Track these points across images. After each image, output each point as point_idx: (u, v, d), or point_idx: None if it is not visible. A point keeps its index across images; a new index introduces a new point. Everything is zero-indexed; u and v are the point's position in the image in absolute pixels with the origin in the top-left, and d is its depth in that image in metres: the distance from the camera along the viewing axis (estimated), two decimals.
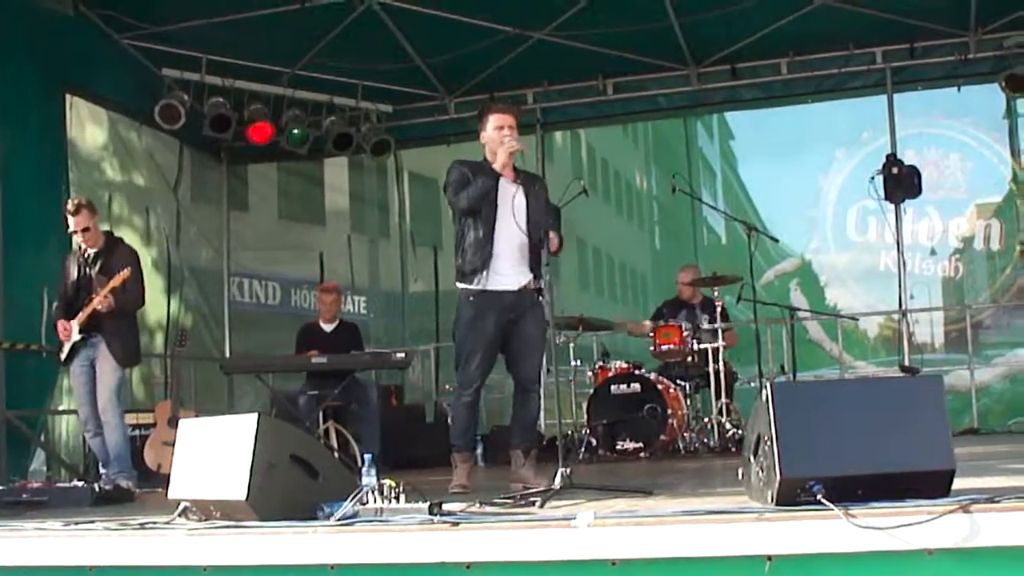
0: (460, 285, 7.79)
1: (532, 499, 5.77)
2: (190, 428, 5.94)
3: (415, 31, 12.74)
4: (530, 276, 7.77)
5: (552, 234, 7.44)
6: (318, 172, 16.87)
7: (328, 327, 11.74)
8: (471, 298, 7.68)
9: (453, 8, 12.23)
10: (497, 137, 7.69)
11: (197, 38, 12.41)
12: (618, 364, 11.62)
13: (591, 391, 11.51)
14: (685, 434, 11.29)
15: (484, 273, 7.63)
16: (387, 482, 5.32)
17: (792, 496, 4.53)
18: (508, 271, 7.71)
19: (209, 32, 12.15)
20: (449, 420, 8.17)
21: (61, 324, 9.04)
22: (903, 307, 13.71)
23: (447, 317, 11.92)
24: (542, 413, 10.81)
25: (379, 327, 16.26)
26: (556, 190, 11.67)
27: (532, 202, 7.71)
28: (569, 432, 11.63)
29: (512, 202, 7.70)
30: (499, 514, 5.25)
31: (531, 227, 7.66)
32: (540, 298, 7.82)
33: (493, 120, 7.79)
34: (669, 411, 10.99)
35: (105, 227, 9.69)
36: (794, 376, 11.57)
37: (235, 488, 5.19)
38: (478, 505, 5.57)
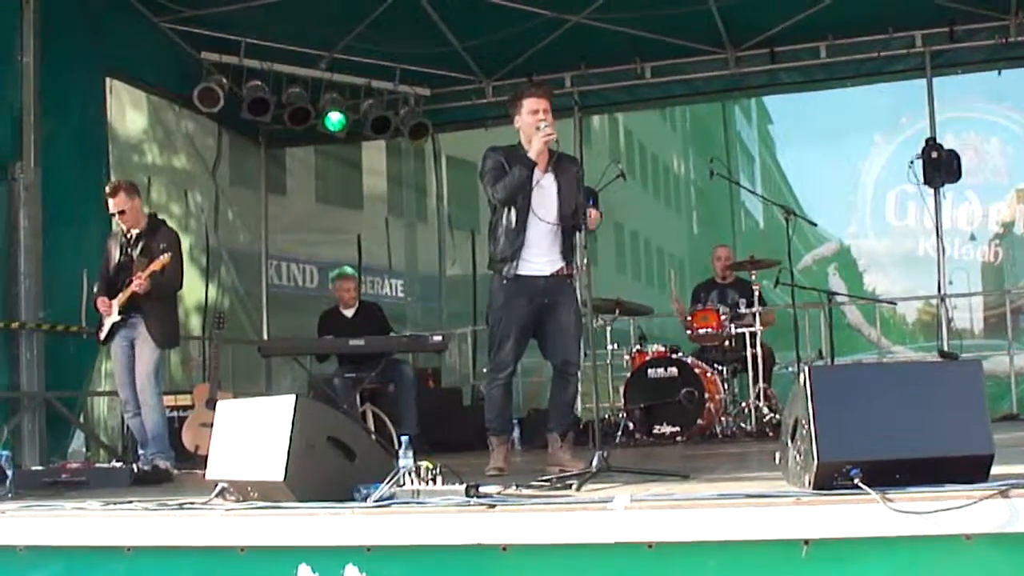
0: (493, 271, 7.85)
1: (568, 482, 5.76)
2: (228, 409, 5.96)
3: (453, 14, 12.72)
4: (562, 262, 7.80)
5: (592, 210, 7.43)
6: (356, 156, 16.90)
7: (348, 312, 11.69)
8: (504, 283, 7.71)
9: None
10: (532, 122, 7.65)
11: (235, 21, 12.45)
12: (655, 348, 11.61)
13: (628, 375, 11.51)
14: (722, 418, 11.29)
15: (515, 262, 7.66)
16: (424, 464, 5.32)
17: (829, 480, 4.51)
18: (540, 258, 7.73)
19: (247, 15, 12.19)
20: (485, 403, 8.17)
21: (101, 300, 9.07)
22: (942, 292, 13.64)
23: (484, 300, 11.87)
24: (579, 397, 10.82)
25: (416, 310, 16.31)
26: (594, 173, 11.67)
27: (564, 187, 7.74)
28: (606, 416, 11.63)
29: (545, 191, 7.74)
30: (535, 497, 5.24)
31: (563, 214, 7.71)
32: (572, 282, 7.85)
33: (528, 104, 7.75)
34: (706, 395, 10.98)
35: (146, 210, 9.71)
36: (832, 361, 11.53)
37: (273, 469, 5.21)
38: (514, 488, 5.56)
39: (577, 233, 7.75)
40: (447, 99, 14.51)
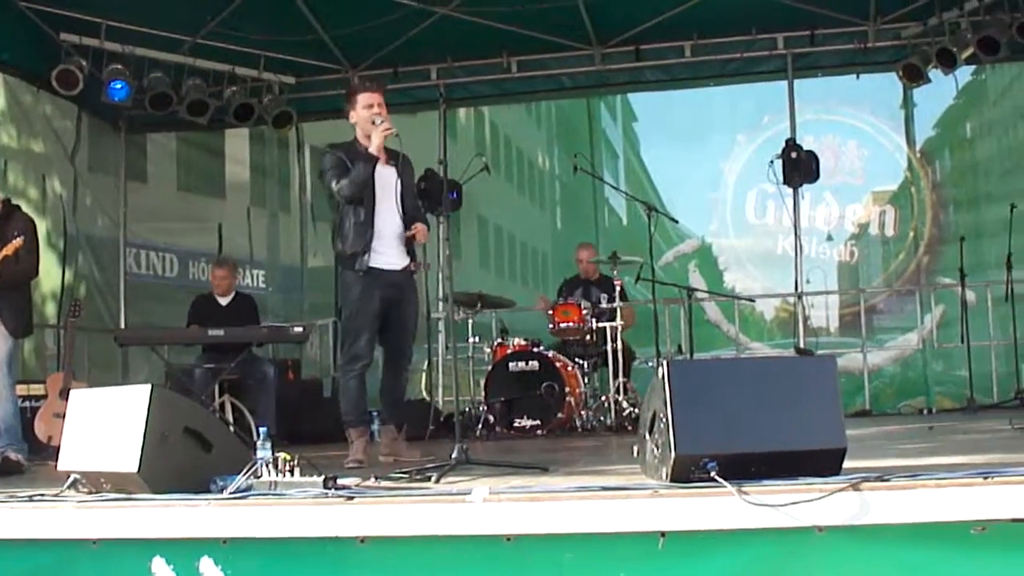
0: (344, 267, 8.00)
1: (427, 474, 5.76)
2: (81, 399, 5.85)
3: (319, 3, 12.61)
4: (408, 257, 8.06)
5: (421, 226, 7.87)
6: (219, 144, 16.67)
7: (223, 300, 11.59)
8: (359, 275, 7.84)
9: None
10: (367, 116, 7.89)
11: (96, 3, 12.20)
12: (516, 341, 11.66)
13: (489, 368, 11.53)
14: (582, 412, 11.35)
15: (368, 255, 7.83)
16: (281, 456, 5.27)
17: (686, 473, 4.56)
18: (389, 250, 7.95)
19: None
20: (340, 396, 8.23)
21: None
22: (799, 290, 13.88)
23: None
24: (440, 389, 10.83)
25: (278, 301, 16.14)
26: (458, 166, 11.69)
27: (405, 183, 8.04)
28: (466, 409, 11.66)
29: (388, 185, 7.95)
30: (394, 489, 5.24)
31: (406, 210, 7.97)
32: (415, 279, 8.21)
33: (362, 100, 7.98)
34: (567, 389, 11.04)
35: (0, 195, 9.46)
36: (691, 356, 11.66)
37: (127, 460, 5.13)
38: (373, 480, 5.55)
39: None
40: (312, 88, 14.35)
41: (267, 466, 5.23)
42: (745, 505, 4.27)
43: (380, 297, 7.87)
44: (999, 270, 12.72)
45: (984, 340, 13.26)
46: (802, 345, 13.43)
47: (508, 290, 16.13)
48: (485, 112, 24.34)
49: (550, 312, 11.73)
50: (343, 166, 7.84)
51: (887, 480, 4.34)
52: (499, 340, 11.86)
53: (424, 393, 13.06)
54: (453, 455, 6.21)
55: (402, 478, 5.74)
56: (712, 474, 4.45)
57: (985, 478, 4.30)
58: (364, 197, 7.81)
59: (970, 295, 13.19)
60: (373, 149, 7.78)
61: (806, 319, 14.08)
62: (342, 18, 12.82)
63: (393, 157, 7.99)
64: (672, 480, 4.61)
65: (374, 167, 7.79)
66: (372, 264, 7.84)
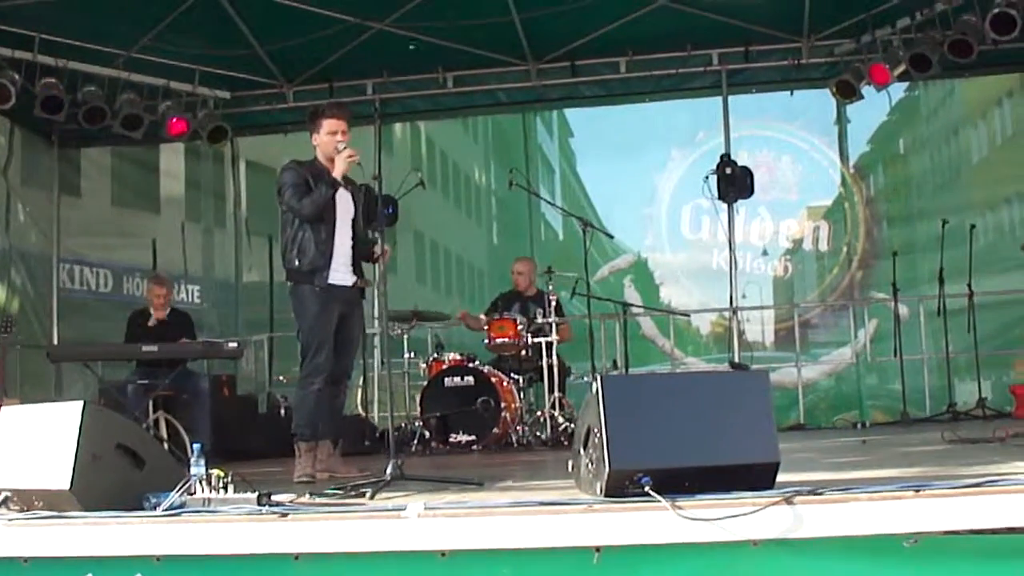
0: (300, 283, 8.02)
1: (363, 490, 5.76)
2: (12, 415, 5.79)
3: (254, 17, 12.55)
4: (357, 275, 8.20)
5: (388, 248, 7.88)
6: (153, 158, 16.54)
7: (159, 316, 11.56)
8: (317, 291, 7.91)
9: None
10: (331, 143, 8.00)
11: (30, 17, 12.04)
12: (452, 356, 11.65)
13: (424, 383, 11.51)
14: (518, 427, 11.35)
15: (327, 272, 7.93)
16: (215, 472, 5.25)
17: (621, 488, 4.58)
18: (343, 268, 8.07)
19: (42, 11, 11.79)
20: (294, 409, 8.25)
21: None
22: (734, 305, 13.97)
23: (281, 307, 11.82)
24: (376, 405, 10.79)
25: (213, 316, 16.03)
26: (394, 181, 11.68)
27: (360, 207, 8.22)
28: (402, 424, 11.63)
29: (346, 208, 8.12)
30: (328, 505, 5.23)
31: (358, 233, 8.17)
32: (362, 297, 8.35)
33: (327, 125, 8.08)
34: (502, 404, 11.04)
35: None
36: (626, 371, 11.72)
37: (58, 477, 5.08)
38: (307, 496, 5.53)
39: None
40: (247, 103, 14.32)
41: (201, 483, 5.20)
42: (679, 519, 4.29)
43: (337, 313, 7.98)
44: (932, 285, 12.90)
45: (917, 354, 13.42)
46: (737, 360, 13.51)
47: (445, 305, 16.13)
48: (421, 127, 24.31)
49: (486, 327, 11.74)
50: (304, 185, 7.91)
51: (820, 494, 4.38)
52: (434, 355, 11.84)
53: (360, 409, 13.01)
54: (388, 471, 6.20)
55: (337, 494, 5.73)
56: (646, 489, 4.48)
57: (917, 491, 4.35)
58: (325, 217, 7.92)
59: (903, 309, 13.36)
60: (336, 174, 7.90)
61: (741, 334, 14.18)
62: (277, 33, 12.79)
63: (351, 183, 8.15)
64: (607, 495, 4.63)
65: (335, 192, 7.91)
66: (331, 281, 7.95)
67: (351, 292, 8.12)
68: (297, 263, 7.97)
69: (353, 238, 8.13)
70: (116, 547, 4.74)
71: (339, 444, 8.31)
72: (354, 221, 8.14)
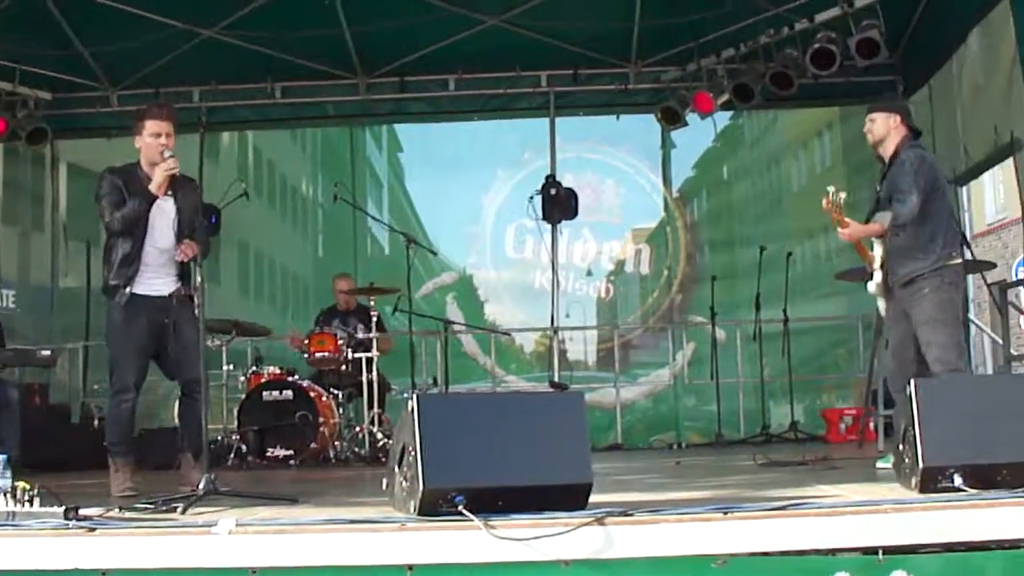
0: (106, 295, 7.75)
1: (174, 505, 5.66)
2: None
3: (80, 18, 12.27)
4: (179, 283, 7.80)
5: (185, 244, 7.62)
6: None
7: None
8: (121, 304, 7.62)
9: None
10: (153, 145, 7.63)
11: None
12: (271, 370, 11.56)
13: (243, 396, 11.38)
14: (336, 443, 11.31)
15: (128, 288, 7.61)
16: (20, 485, 5.11)
17: (434, 507, 4.58)
18: (156, 279, 7.72)
19: None
20: (107, 424, 8.00)
21: None
22: (555, 324, 14.09)
23: (98, 314, 11.55)
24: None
25: (27, 323, 15.58)
26: (219, 190, 11.53)
27: (184, 211, 7.76)
28: (218, 437, 11.46)
29: (165, 215, 7.72)
30: (138, 520, 5.13)
31: (180, 238, 7.72)
32: (193, 304, 7.78)
33: (150, 127, 7.70)
34: (321, 419, 10.98)
35: None
36: (446, 388, 11.72)
37: None
38: (117, 510, 5.42)
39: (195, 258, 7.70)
40: (70, 105, 13.94)
41: (5, 495, 5.06)
42: (491, 538, 4.31)
43: (147, 325, 7.64)
44: (749, 309, 13.21)
45: (733, 377, 13.72)
46: (557, 379, 13.64)
47: (269, 317, 15.92)
48: (249, 136, 24.10)
49: (305, 341, 11.66)
50: (119, 195, 7.60)
51: (631, 515, 4.45)
52: (254, 368, 11.74)
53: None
54: (201, 485, 6.11)
55: (148, 509, 5.62)
56: (460, 508, 4.48)
57: (725, 513, 4.44)
58: (134, 231, 7.59)
59: (720, 333, 13.63)
60: (153, 187, 7.55)
61: (563, 353, 14.32)
62: (103, 35, 12.54)
63: (172, 185, 7.71)
64: (420, 513, 4.62)
65: (150, 205, 7.58)
66: (137, 291, 7.61)
67: (171, 301, 7.71)
68: (105, 275, 7.72)
69: (177, 244, 7.70)
70: None
71: (200, 456, 7.98)
72: (180, 223, 7.70)
